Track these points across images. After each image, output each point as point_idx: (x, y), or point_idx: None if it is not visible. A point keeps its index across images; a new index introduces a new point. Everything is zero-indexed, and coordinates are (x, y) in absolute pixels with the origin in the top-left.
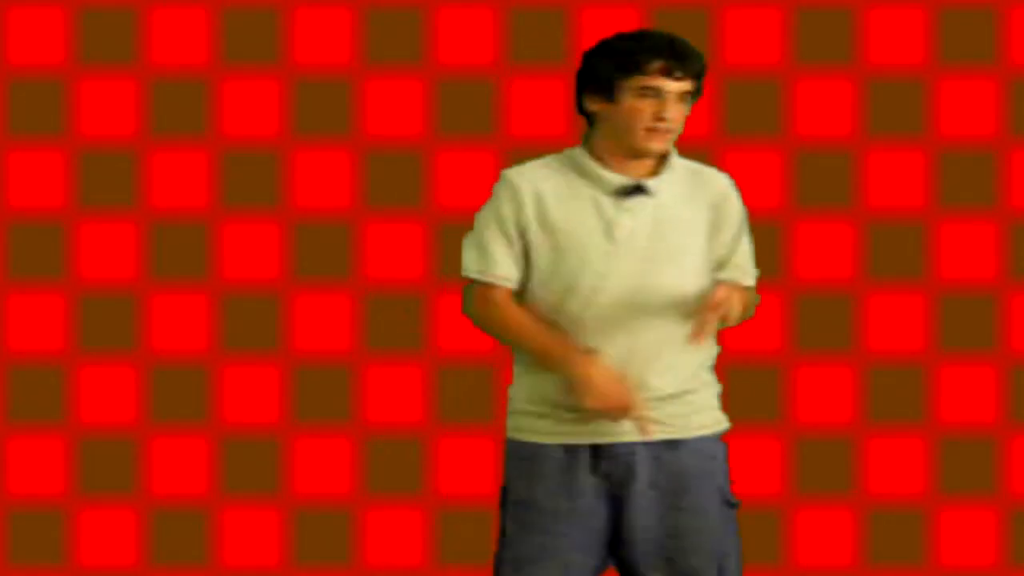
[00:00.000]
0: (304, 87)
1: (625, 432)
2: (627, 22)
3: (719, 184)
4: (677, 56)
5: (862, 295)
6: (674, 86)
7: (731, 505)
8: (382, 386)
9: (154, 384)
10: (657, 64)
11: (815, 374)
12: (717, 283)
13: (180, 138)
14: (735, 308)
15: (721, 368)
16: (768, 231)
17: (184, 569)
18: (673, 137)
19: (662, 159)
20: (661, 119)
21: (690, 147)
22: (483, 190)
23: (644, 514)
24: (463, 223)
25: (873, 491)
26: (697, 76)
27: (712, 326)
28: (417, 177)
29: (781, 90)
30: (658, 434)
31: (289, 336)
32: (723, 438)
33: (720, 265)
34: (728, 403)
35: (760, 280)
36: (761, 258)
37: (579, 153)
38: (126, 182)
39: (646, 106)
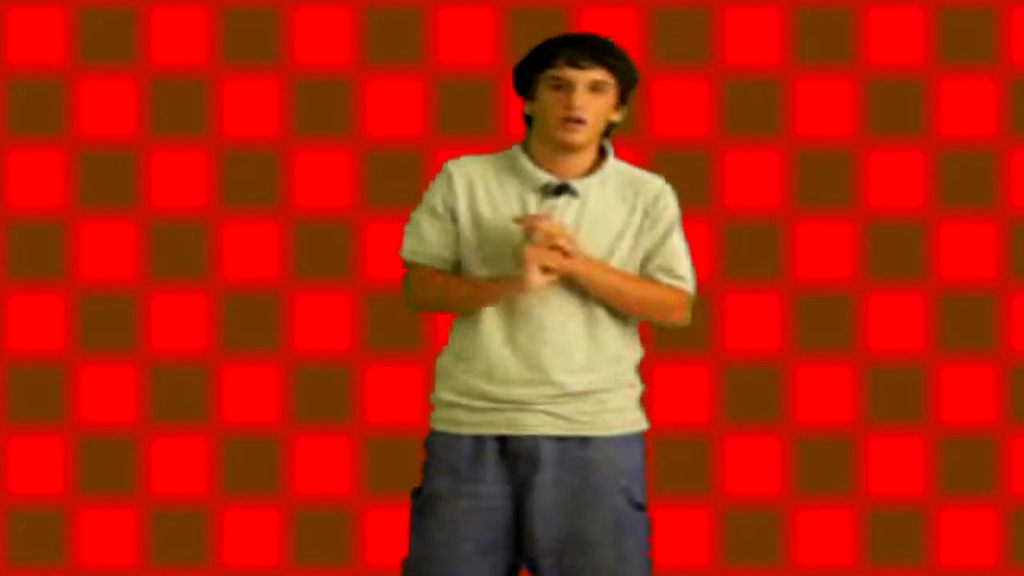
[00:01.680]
0: (304, 87)
1: (532, 425)
2: (627, 22)
3: (653, 188)
4: (582, 46)
5: (862, 295)
6: (581, 76)
7: (637, 506)
8: (382, 386)
9: (154, 384)
10: (563, 56)
11: (815, 374)
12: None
13: (180, 138)
14: (565, 245)
15: (721, 368)
16: (768, 231)
17: (184, 569)
18: (589, 129)
19: (597, 161)
20: (571, 107)
21: (691, 147)
22: None
23: (546, 509)
24: None
25: (873, 491)
26: (608, 67)
27: (539, 231)
28: (417, 177)
29: (781, 90)
30: (567, 431)
31: (289, 336)
32: (721, 436)
33: (643, 263)
34: (727, 403)
35: (760, 280)
36: (761, 258)
37: (517, 151)
38: (126, 182)
39: (558, 98)
